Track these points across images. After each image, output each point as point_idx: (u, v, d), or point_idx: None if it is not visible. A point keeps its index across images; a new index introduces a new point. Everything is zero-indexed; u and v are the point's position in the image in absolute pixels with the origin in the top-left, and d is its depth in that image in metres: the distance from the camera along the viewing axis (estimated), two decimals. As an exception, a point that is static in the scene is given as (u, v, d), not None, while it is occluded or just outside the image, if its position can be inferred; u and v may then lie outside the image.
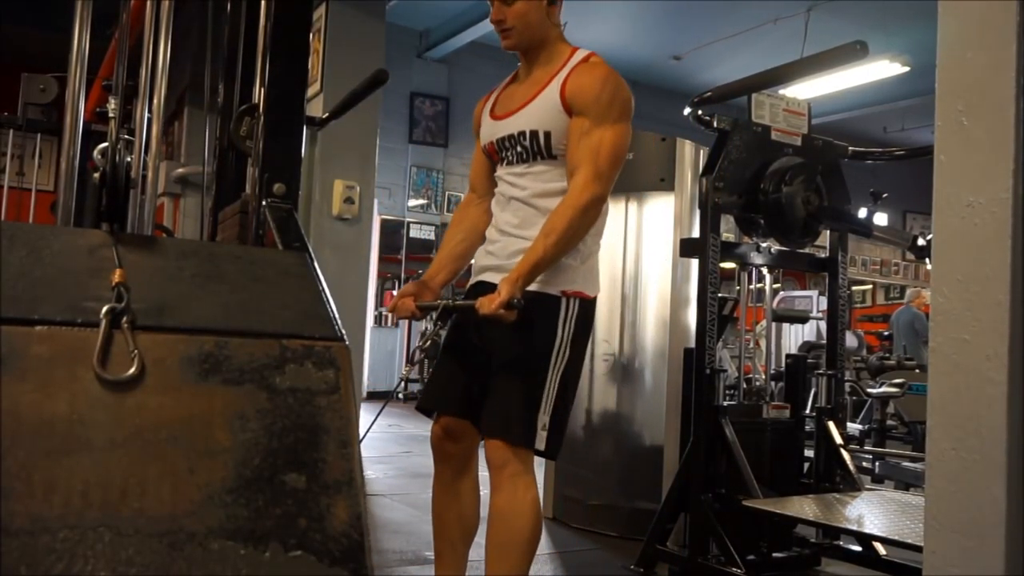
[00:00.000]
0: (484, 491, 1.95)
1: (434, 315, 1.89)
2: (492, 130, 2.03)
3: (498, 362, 1.89)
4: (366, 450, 4.81)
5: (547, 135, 1.91)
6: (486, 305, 1.75)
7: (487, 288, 1.90)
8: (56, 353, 1.05)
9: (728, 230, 3.21)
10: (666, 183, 3.52)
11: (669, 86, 10.38)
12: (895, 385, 5.28)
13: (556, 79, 1.91)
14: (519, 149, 1.96)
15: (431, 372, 2.18)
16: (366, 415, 3.95)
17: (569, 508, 3.62)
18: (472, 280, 2.05)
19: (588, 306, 1.94)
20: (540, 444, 1.84)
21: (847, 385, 4.83)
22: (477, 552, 1.98)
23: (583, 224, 1.85)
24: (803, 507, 2.62)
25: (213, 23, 2.58)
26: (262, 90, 1.69)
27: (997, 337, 1.27)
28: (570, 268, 1.90)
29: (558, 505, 3.67)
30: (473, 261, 2.10)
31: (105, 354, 1.06)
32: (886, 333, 9.07)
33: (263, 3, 1.71)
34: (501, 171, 2.03)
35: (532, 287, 1.85)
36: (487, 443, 1.87)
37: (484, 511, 1.94)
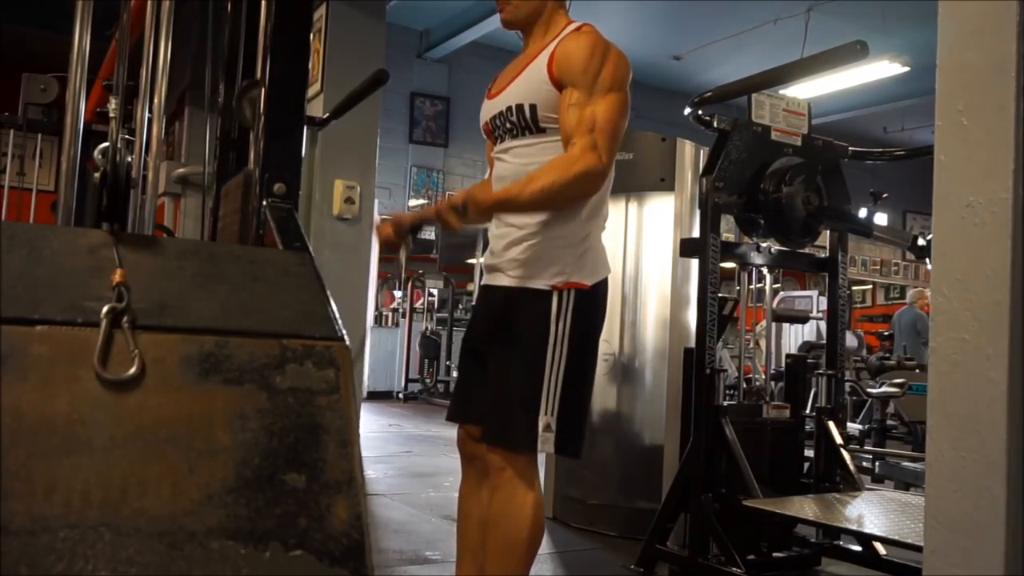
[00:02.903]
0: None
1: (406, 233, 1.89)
2: (486, 109, 1.98)
3: (495, 365, 1.86)
4: (366, 450, 4.81)
5: (532, 108, 1.82)
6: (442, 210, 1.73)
7: (492, 291, 1.90)
8: (56, 353, 1.04)
9: (728, 230, 3.22)
10: (666, 183, 3.52)
11: (669, 86, 10.37)
12: (895, 385, 5.28)
13: (546, 50, 1.84)
14: (508, 125, 1.89)
15: (456, 380, 2.16)
16: (366, 415, 3.95)
17: (569, 508, 3.61)
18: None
19: (589, 296, 1.82)
20: (547, 446, 1.77)
21: (847, 385, 4.83)
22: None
23: (570, 186, 1.73)
24: (803, 507, 2.62)
25: (213, 23, 2.58)
26: (262, 90, 1.69)
27: (997, 337, 1.27)
28: (559, 259, 1.79)
29: (558, 505, 3.67)
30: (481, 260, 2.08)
31: (105, 354, 1.06)
32: (886, 333, 9.07)
33: (263, 3, 1.71)
34: (495, 150, 1.96)
35: (518, 282, 1.79)
36: (487, 447, 1.84)
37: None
